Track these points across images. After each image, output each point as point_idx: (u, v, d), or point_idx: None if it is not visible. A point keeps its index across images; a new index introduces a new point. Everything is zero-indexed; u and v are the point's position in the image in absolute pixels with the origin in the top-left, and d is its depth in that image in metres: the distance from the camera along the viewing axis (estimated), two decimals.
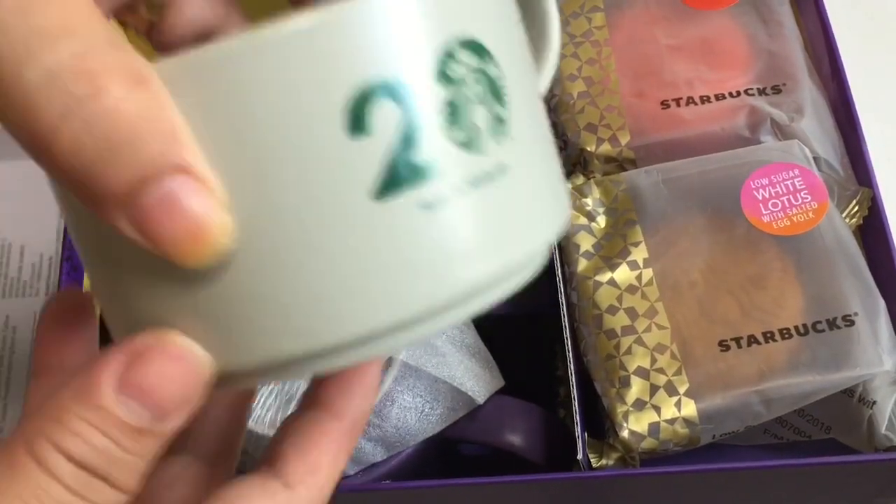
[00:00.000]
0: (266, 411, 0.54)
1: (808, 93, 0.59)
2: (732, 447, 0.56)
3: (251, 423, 0.54)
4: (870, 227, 0.57)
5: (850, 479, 0.54)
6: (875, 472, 0.53)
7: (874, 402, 0.53)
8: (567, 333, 0.55)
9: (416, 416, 0.55)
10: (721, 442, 0.54)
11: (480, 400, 0.56)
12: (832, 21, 0.62)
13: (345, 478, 0.54)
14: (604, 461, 0.53)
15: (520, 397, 0.58)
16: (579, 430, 0.53)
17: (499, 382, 0.58)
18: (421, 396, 0.55)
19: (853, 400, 0.53)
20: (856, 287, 0.54)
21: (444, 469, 0.58)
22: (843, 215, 0.57)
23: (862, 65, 0.63)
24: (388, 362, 0.55)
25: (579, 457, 0.52)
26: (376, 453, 0.55)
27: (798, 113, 0.58)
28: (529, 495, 0.55)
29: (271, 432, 0.54)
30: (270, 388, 0.54)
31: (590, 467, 0.53)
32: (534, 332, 0.61)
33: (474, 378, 0.56)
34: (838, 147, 0.59)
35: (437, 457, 0.58)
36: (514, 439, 0.57)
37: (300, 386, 0.55)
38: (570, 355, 0.55)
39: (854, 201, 0.57)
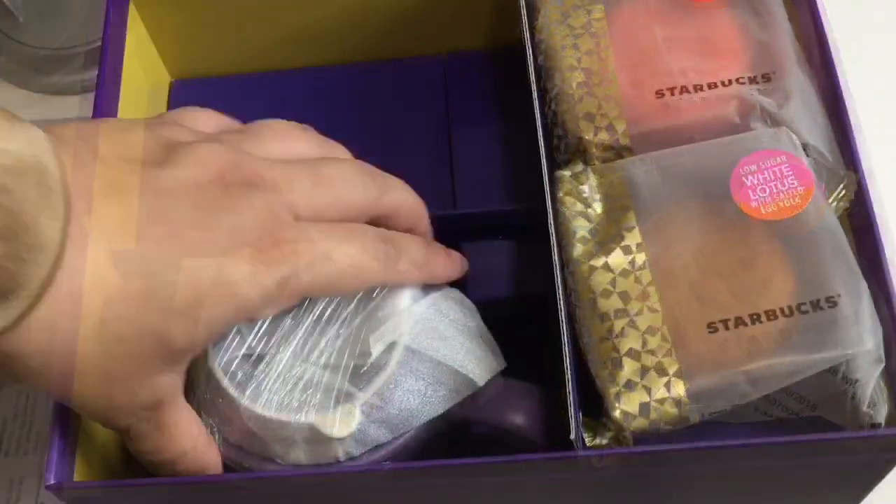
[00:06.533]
0: (273, 394, 0.56)
1: (797, 81, 0.61)
2: (724, 425, 0.57)
3: (259, 407, 0.56)
4: (856, 210, 0.59)
5: (834, 455, 0.55)
6: (858, 449, 0.55)
7: (856, 381, 0.54)
8: (563, 316, 0.57)
9: (419, 399, 0.57)
10: (712, 420, 0.56)
11: (481, 382, 0.58)
12: (823, 9, 0.63)
13: (350, 459, 0.57)
14: (598, 440, 0.55)
15: (523, 379, 0.60)
16: (573, 410, 0.54)
17: (501, 364, 0.60)
18: (423, 379, 0.57)
19: (837, 379, 0.55)
20: (839, 269, 0.55)
21: (451, 449, 0.60)
22: (831, 199, 0.58)
23: (852, 53, 0.64)
24: (392, 346, 0.57)
25: (572, 436, 0.54)
26: (380, 435, 0.57)
27: (786, 100, 0.60)
28: (526, 474, 0.57)
29: (279, 415, 0.56)
30: (277, 371, 0.57)
31: (584, 446, 0.55)
32: (536, 315, 0.63)
33: (476, 360, 0.58)
34: (827, 133, 0.60)
35: (444, 437, 0.60)
36: (517, 420, 0.59)
37: (306, 370, 0.57)
38: (565, 338, 0.56)
39: (841, 185, 0.58)
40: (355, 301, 0.58)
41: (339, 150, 0.62)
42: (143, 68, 0.75)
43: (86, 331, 0.49)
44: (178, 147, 0.53)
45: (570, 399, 0.54)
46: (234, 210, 0.52)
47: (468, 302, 0.61)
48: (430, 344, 0.57)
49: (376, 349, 0.57)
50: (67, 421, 0.57)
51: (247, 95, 0.79)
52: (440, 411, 0.58)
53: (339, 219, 0.56)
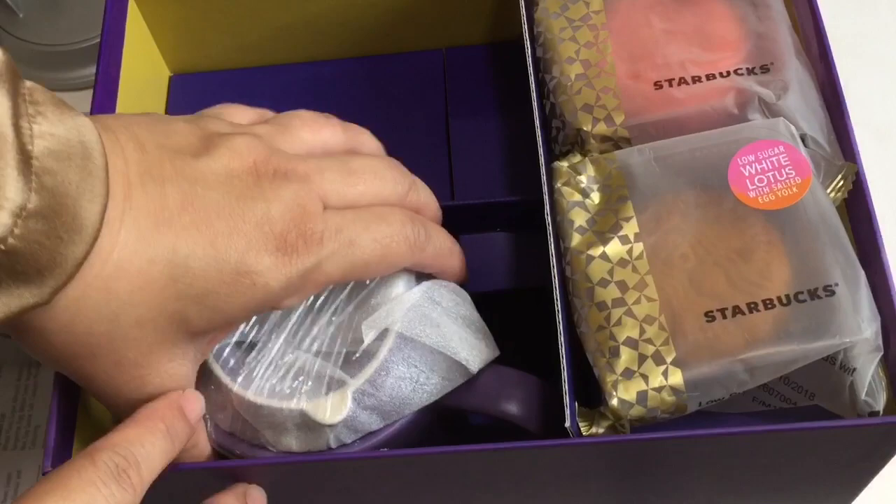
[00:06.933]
0: (265, 381, 0.56)
1: (795, 72, 0.61)
2: (721, 414, 0.57)
3: (250, 394, 0.56)
4: (854, 200, 0.59)
5: (833, 444, 0.55)
6: (857, 437, 0.55)
7: (854, 370, 0.54)
8: (559, 306, 0.57)
9: (411, 386, 0.57)
10: (709, 409, 0.56)
11: (474, 369, 0.58)
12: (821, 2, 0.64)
13: (342, 446, 0.57)
14: (594, 429, 0.55)
15: (520, 370, 0.60)
16: (568, 399, 0.54)
17: (494, 352, 0.60)
18: (416, 367, 0.57)
19: (835, 367, 0.55)
20: (837, 258, 0.55)
21: (445, 438, 0.60)
22: (829, 190, 0.58)
23: (849, 44, 0.64)
24: (384, 333, 0.57)
25: (567, 424, 0.54)
26: (372, 422, 0.57)
27: (784, 91, 0.60)
28: (519, 462, 0.57)
29: (270, 402, 0.56)
30: (269, 358, 0.57)
31: (579, 435, 0.55)
32: (534, 306, 0.63)
33: (469, 348, 0.58)
34: (825, 124, 0.61)
35: (437, 426, 0.61)
36: (511, 408, 0.59)
37: (298, 357, 0.57)
38: (561, 327, 0.57)
39: (839, 176, 0.59)
40: (348, 289, 0.58)
41: (364, 134, 0.63)
42: (143, 63, 0.75)
43: (108, 312, 0.50)
44: (215, 137, 0.55)
45: (565, 388, 0.54)
46: (263, 200, 0.53)
47: (462, 290, 0.61)
48: (423, 331, 0.57)
49: (368, 336, 0.56)
50: (66, 410, 0.58)
51: (246, 90, 0.79)
52: (433, 399, 0.58)
53: (369, 204, 0.57)
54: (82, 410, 0.59)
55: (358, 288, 0.58)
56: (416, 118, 0.76)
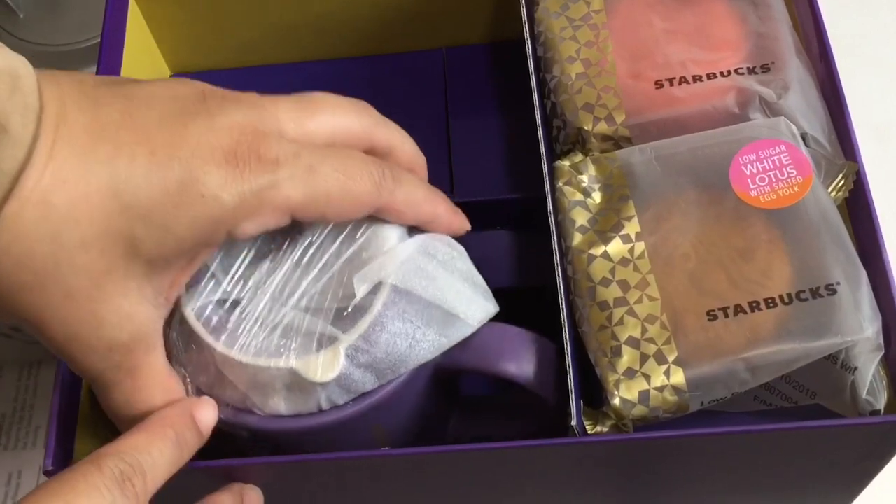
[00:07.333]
0: (251, 339, 0.54)
1: (795, 71, 0.61)
2: (723, 413, 0.57)
3: (235, 352, 0.54)
4: (855, 199, 0.59)
5: (834, 442, 0.56)
6: (858, 436, 0.55)
7: (856, 368, 0.55)
8: (563, 305, 0.57)
9: (407, 342, 0.54)
10: (711, 408, 0.56)
11: (474, 324, 0.56)
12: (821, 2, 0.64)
13: (334, 407, 0.54)
14: (598, 428, 0.55)
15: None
16: (574, 398, 0.54)
17: (493, 308, 0.57)
18: (412, 322, 0.54)
19: (836, 366, 0.55)
20: (838, 257, 0.55)
21: (445, 402, 0.60)
22: (830, 189, 0.58)
23: (849, 44, 0.64)
24: (377, 287, 0.54)
25: (573, 423, 0.54)
26: (366, 381, 0.54)
27: (785, 90, 0.60)
28: (527, 461, 0.57)
29: (256, 361, 0.53)
30: (256, 315, 0.54)
31: (584, 434, 0.55)
32: (536, 305, 0.63)
33: (467, 302, 0.56)
34: (825, 123, 0.61)
35: (437, 387, 0.59)
36: (511, 368, 0.57)
37: (286, 314, 0.54)
38: (565, 326, 0.57)
39: (840, 175, 0.59)
40: (338, 242, 0.55)
41: None
42: (143, 62, 0.75)
43: (48, 229, 0.48)
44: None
45: (571, 387, 0.54)
46: (208, 115, 0.50)
47: (457, 244, 0.58)
48: (419, 284, 0.54)
49: (361, 290, 0.54)
50: (67, 411, 0.58)
51: (246, 89, 0.78)
52: (430, 356, 0.55)
53: (330, 143, 0.54)
54: (83, 411, 0.59)
55: (348, 241, 0.55)
56: (417, 118, 0.75)
